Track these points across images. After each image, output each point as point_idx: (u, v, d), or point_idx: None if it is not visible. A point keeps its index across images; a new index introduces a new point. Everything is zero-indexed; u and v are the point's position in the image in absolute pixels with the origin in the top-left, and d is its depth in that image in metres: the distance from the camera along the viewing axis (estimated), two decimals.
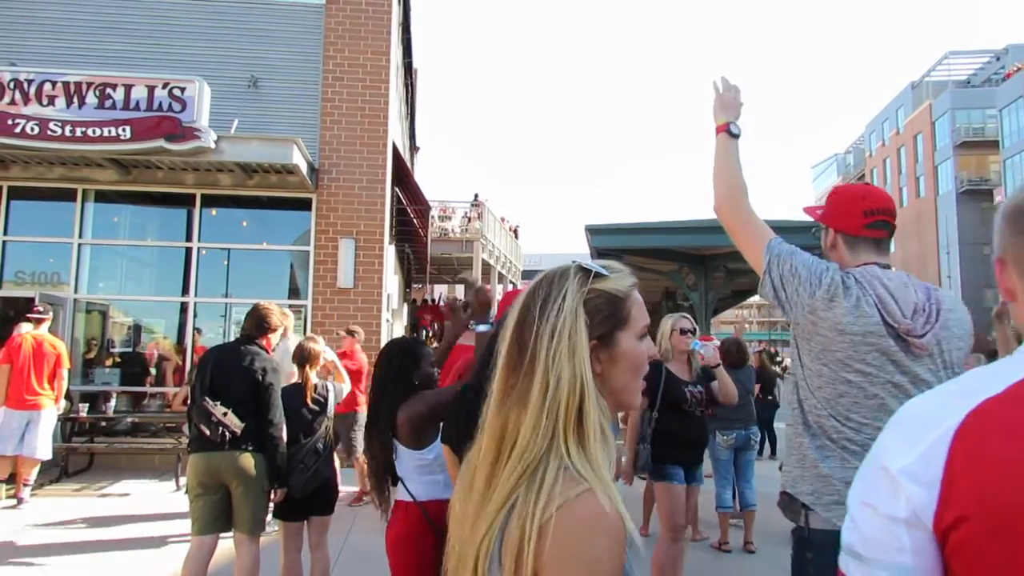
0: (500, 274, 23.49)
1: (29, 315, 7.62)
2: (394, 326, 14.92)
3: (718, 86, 2.57)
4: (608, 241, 11.72)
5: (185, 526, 6.78)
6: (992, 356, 4.23)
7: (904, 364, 2.05)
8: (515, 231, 26.96)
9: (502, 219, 24.38)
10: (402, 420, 2.90)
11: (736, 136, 2.46)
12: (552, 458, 1.10)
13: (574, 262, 1.25)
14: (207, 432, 4.09)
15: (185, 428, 9.02)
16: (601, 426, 1.14)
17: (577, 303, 1.18)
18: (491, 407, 1.18)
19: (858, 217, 2.25)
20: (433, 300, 23.95)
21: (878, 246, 2.28)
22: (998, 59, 52.91)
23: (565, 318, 1.16)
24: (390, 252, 11.43)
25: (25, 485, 7.42)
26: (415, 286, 22.85)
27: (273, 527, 4.93)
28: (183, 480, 8.52)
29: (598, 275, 1.21)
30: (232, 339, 10.11)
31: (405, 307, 18.59)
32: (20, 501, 7.36)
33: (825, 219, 2.33)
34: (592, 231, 11.73)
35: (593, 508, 1.05)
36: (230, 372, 4.22)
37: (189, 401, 4.35)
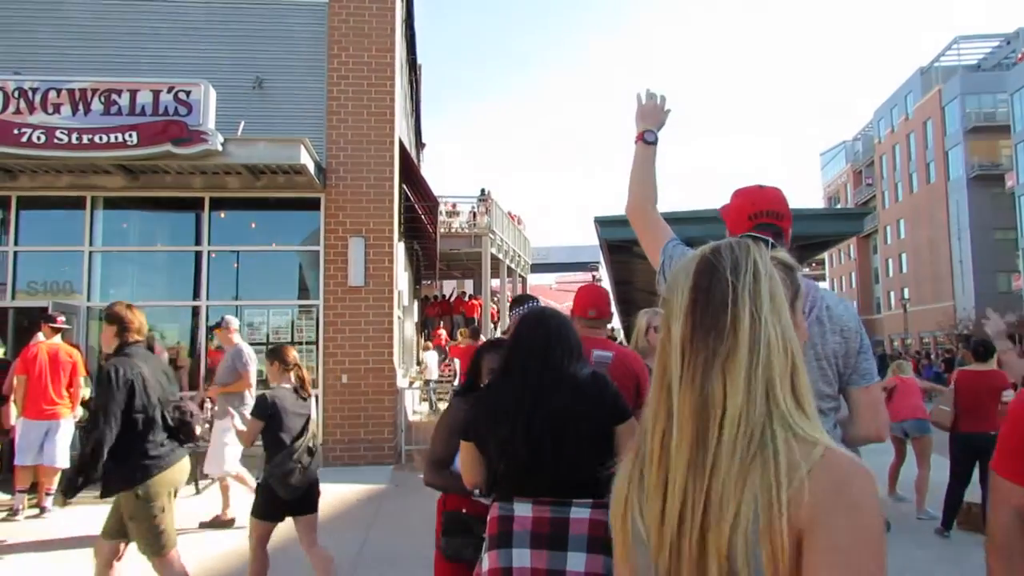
0: (509, 268, 23.49)
1: (52, 325, 7.54)
2: (405, 323, 14.97)
3: (641, 97, 2.73)
4: (618, 233, 11.65)
5: (209, 526, 6.88)
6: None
7: None
8: (521, 223, 26.92)
9: (510, 213, 24.33)
10: None
11: (652, 143, 2.66)
12: (777, 425, 1.08)
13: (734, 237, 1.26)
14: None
15: (203, 432, 9.10)
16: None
17: (772, 266, 1.19)
18: (678, 385, 1.13)
19: (745, 222, 2.40)
20: (443, 296, 23.94)
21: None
22: (1008, 43, 52.53)
23: (766, 280, 1.16)
24: (399, 249, 11.41)
25: (48, 494, 7.42)
26: (424, 282, 22.85)
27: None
28: (203, 484, 8.61)
29: (772, 244, 1.23)
30: (246, 342, 10.15)
31: (415, 304, 18.60)
32: (43, 510, 7.37)
33: (724, 220, 2.52)
34: (602, 223, 11.72)
35: (839, 459, 1.05)
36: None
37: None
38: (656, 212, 2.60)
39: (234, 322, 7.65)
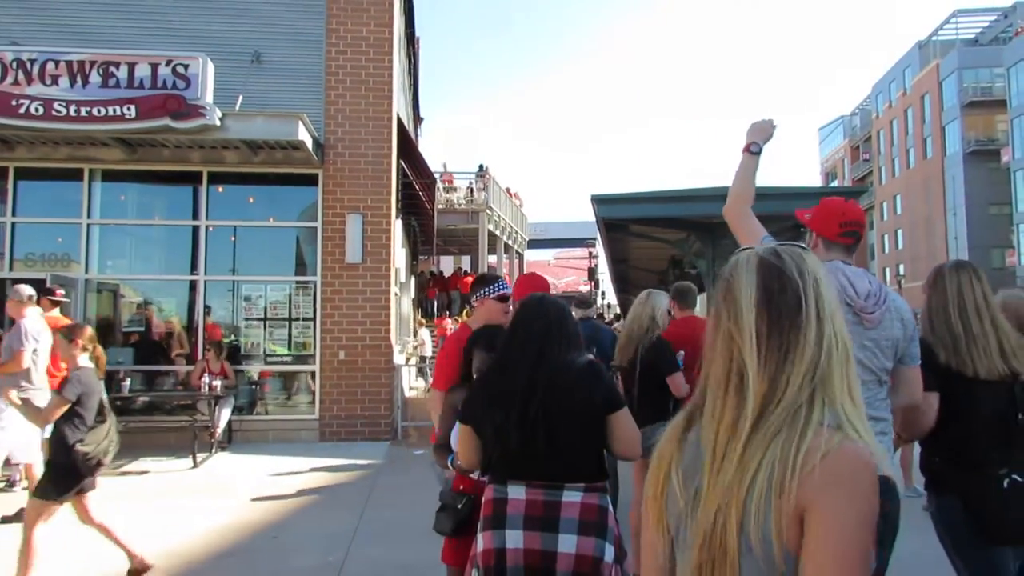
0: (506, 244, 23.53)
1: (51, 298, 7.34)
2: (402, 300, 15.00)
3: (764, 120, 3.15)
4: (615, 211, 11.62)
5: (206, 500, 6.96)
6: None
7: (856, 332, 2.60)
8: (520, 199, 26.86)
9: (508, 190, 24.29)
10: None
11: (756, 154, 3.07)
12: (816, 405, 1.25)
13: (778, 242, 1.46)
14: None
15: (200, 405, 9.23)
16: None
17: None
18: (755, 371, 1.29)
19: (835, 227, 2.85)
20: (440, 272, 23.94)
21: (847, 250, 2.89)
22: (1006, 17, 52.13)
23: (825, 284, 1.34)
24: (397, 226, 11.41)
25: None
26: (421, 258, 22.83)
27: None
28: (200, 456, 8.75)
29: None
30: (240, 317, 10.04)
31: (412, 280, 18.67)
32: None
33: (811, 224, 2.91)
34: (599, 201, 11.64)
35: (854, 451, 1.20)
36: None
37: None
38: (751, 212, 2.98)
39: (25, 291, 6.71)
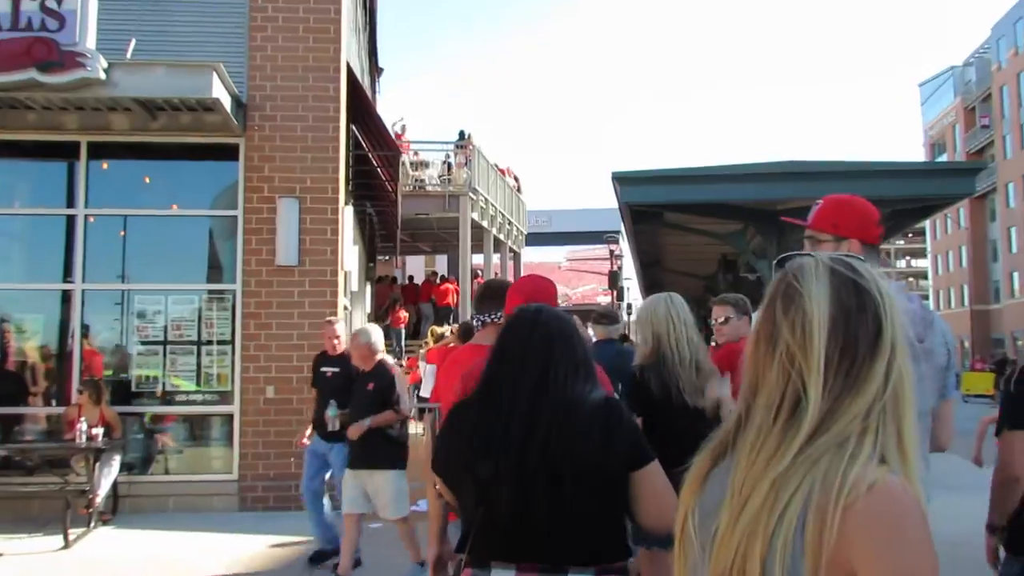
0: (496, 239, 23.56)
1: None
2: (354, 315, 14.98)
3: None
4: (644, 194, 11.70)
5: None
6: None
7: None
8: (516, 179, 26.77)
9: (499, 167, 24.33)
10: None
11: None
12: (867, 439, 1.38)
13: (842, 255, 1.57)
14: None
15: (75, 462, 9.19)
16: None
17: None
18: (812, 401, 1.40)
19: (874, 227, 3.05)
20: (410, 279, 23.89)
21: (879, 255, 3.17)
22: None
23: (899, 304, 1.48)
24: (348, 215, 11.39)
25: None
26: (381, 259, 22.75)
27: None
28: (74, 533, 8.64)
29: None
30: (131, 341, 10.01)
31: (368, 288, 18.70)
32: None
33: (845, 230, 3.04)
34: (622, 180, 11.70)
35: (906, 485, 1.33)
36: None
37: None
38: None
39: None
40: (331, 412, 7.36)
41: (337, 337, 8.04)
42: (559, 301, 3.94)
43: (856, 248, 2.99)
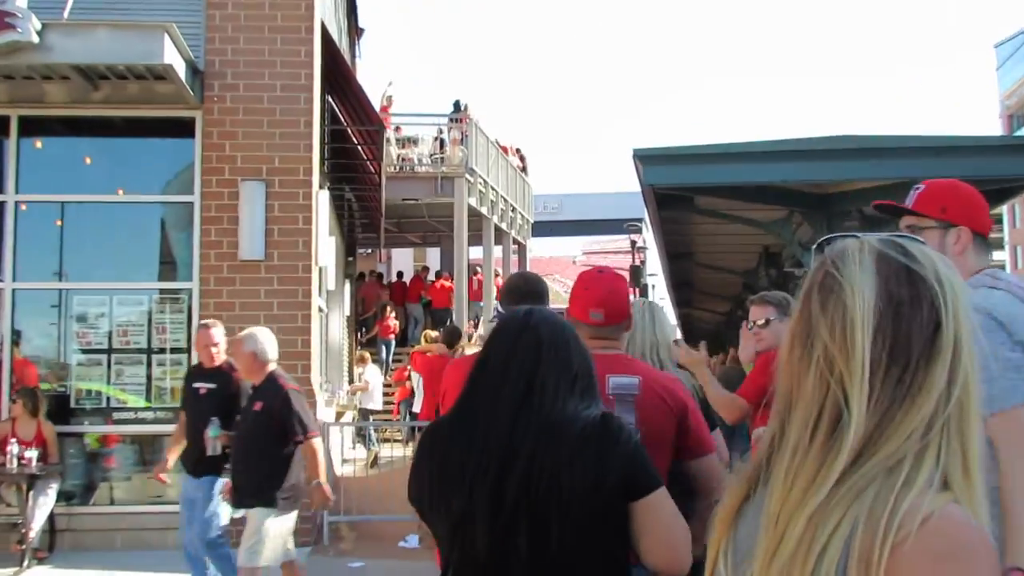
0: (498, 228, 23.59)
1: None
2: (330, 319, 15.07)
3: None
4: (672, 175, 11.52)
5: None
6: None
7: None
8: (521, 158, 26.71)
9: (500, 144, 24.37)
10: None
11: None
12: (925, 462, 1.30)
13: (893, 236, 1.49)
14: None
15: (5, 491, 9.38)
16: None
17: None
18: (855, 412, 1.33)
19: (986, 215, 3.10)
20: (399, 275, 23.82)
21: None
22: None
23: (967, 296, 1.41)
24: (323, 201, 11.41)
25: None
26: (362, 252, 22.73)
27: None
28: (5, 573, 8.79)
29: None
30: (69, 348, 10.04)
31: (347, 287, 18.68)
32: None
33: (952, 215, 3.02)
34: (645, 159, 11.51)
35: (968, 516, 1.26)
36: None
37: None
38: None
39: None
40: (212, 432, 7.06)
41: (215, 344, 7.63)
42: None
43: (967, 238, 2.99)
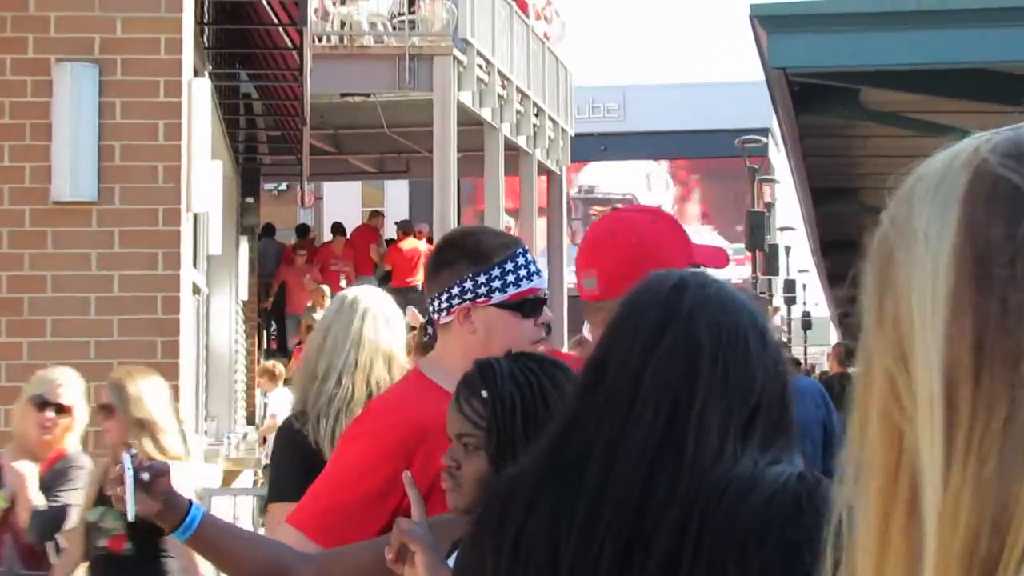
0: (510, 145, 23.61)
1: None
2: (213, 304, 15.19)
3: None
4: (820, 51, 11.44)
5: None
6: None
7: None
8: (549, 20, 27.28)
9: None
10: None
11: None
12: None
13: None
14: None
15: None
16: None
17: None
18: (939, 470, 1.10)
19: None
20: (335, 227, 23.72)
21: None
22: None
23: None
24: (200, 98, 11.69)
25: None
26: (269, 189, 22.71)
27: None
28: None
29: None
30: None
31: (244, 248, 18.73)
32: None
33: None
34: (774, 24, 11.65)
35: None
36: None
37: None
38: None
39: None
40: None
41: None
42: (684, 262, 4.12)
43: None
